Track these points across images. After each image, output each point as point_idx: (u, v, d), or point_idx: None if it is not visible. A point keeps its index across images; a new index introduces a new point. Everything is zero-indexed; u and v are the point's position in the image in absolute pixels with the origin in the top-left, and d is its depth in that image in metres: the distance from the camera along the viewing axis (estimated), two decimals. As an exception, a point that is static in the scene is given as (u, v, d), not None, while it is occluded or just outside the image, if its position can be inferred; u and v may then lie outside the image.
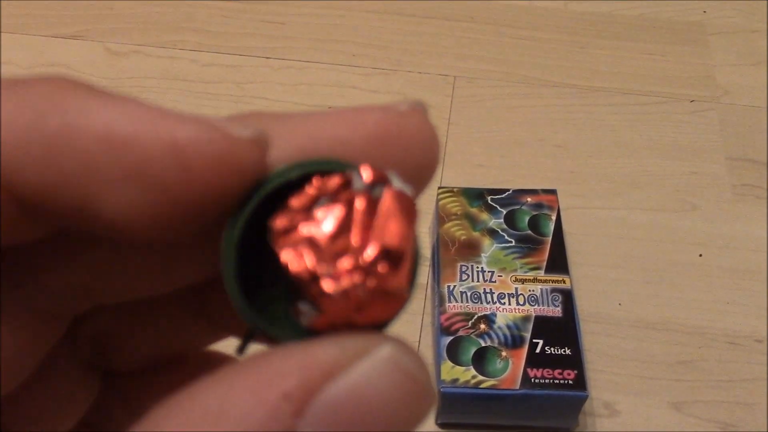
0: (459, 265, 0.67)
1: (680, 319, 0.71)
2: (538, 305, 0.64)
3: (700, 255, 0.76)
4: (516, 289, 0.65)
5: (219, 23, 0.96)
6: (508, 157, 0.83)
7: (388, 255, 0.17)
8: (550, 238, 0.69)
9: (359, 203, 0.17)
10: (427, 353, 0.68)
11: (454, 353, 0.62)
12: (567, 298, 0.65)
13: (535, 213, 0.71)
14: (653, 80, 0.91)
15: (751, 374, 0.68)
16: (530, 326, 0.63)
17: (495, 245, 0.68)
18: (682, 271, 0.74)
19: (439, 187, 0.73)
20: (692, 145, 0.85)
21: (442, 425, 0.65)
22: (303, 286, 0.17)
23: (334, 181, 0.18)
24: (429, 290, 0.72)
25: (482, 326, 0.63)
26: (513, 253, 0.68)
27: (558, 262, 0.67)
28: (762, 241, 0.77)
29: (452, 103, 0.88)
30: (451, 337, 0.62)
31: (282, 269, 0.17)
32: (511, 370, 0.61)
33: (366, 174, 0.17)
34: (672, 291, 0.73)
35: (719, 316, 0.71)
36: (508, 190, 0.72)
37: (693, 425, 0.65)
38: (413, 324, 0.71)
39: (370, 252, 0.17)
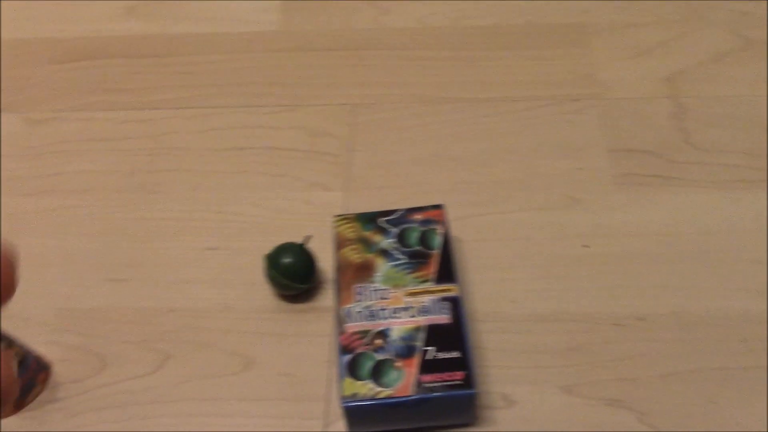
0: (355, 286, 0.73)
1: (569, 309, 0.77)
2: (429, 315, 0.70)
3: (586, 246, 0.82)
4: (408, 302, 0.71)
5: (130, 80, 1.02)
6: (408, 175, 0.89)
7: None
8: (438, 252, 0.75)
9: None
10: (335, 372, 0.74)
11: (353, 369, 0.67)
12: (455, 304, 0.71)
13: (423, 229, 0.77)
14: (539, 84, 0.97)
15: (635, 351, 0.74)
16: (422, 336, 0.69)
17: (388, 264, 0.74)
18: (568, 263, 0.80)
19: (336, 216, 0.78)
20: (575, 143, 0.91)
21: (360, 435, 0.71)
22: None
23: None
24: (334, 313, 0.78)
25: (378, 341, 0.69)
26: (404, 269, 0.74)
27: (446, 273, 0.73)
28: (642, 225, 0.83)
29: (354, 130, 0.94)
30: (350, 355, 0.68)
31: None
32: (405, 379, 0.67)
33: None
34: (560, 283, 0.79)
35: (605, 302, 0.77)
36: (399, 210, 0.78)
37: (583, 404, 0.71)
38: (323, 346, 0.76)
39: None
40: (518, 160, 0.90)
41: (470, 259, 0.82)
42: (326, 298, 0.80)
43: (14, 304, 0.82)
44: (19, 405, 0.74)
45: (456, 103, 0.96)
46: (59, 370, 0.77)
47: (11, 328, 0.80)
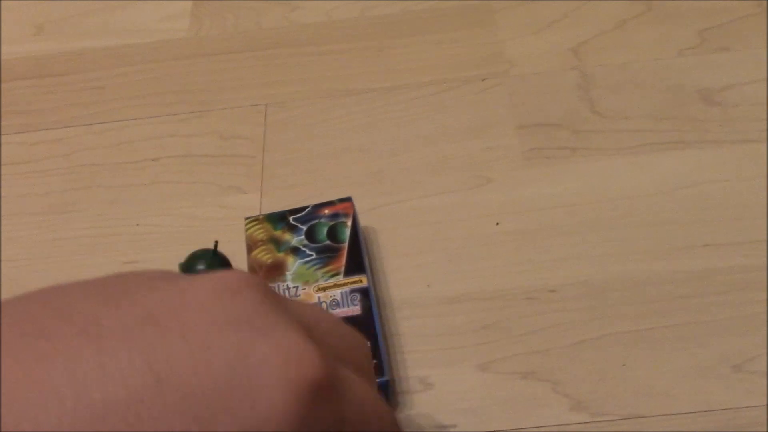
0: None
1: (482, 288, 0.79)
2: (339, 308, 0.71)
3: (497, 224, 0.83)
4: (318, 297, 0.72)
5: (41, 101, 1.01)
6: (320, 171, 0.90)
7: None
8: (347, 244, 0.76)
9: None
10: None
11: (271, 368, 0.68)
12: (365, 295, 0.72)
13: (332, 223, 0.78)
14: (446, 67, 0.98)
15: (547, 323, 0.76)
16: (335, 328, 0.70)
17: (298, 261, 0.75)
18: (481, 242, 0.82)
19: (246, 218, 0.79)
20: (484, 123, 0.92)
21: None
22: None
23: None
24: (256, 313, 0.79)
25: (293, 338, 0.70)
26: (314, 265, 0.75)
27: (355, 264, 0.74)
28: (552, 198, 0.84)
29: (266, 131, 0.95)
30: (267, 355, 0.69)
31: None
32: (321, 372, 0.68)
33: None
34: (473, 263, 0.80)
35: (517, 277, 0.79)
36: (307, 206, 0.79)
37: (498, 380, 0.72)
38: (244, 347, 0.77)
39: None
40: (427, 146, 0.91)
41: (385, 248, 0.83)
42: (244, 300, 0.80)
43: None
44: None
45: (364, 94, 0.97)
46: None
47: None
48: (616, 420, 0.69)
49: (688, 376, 0.71)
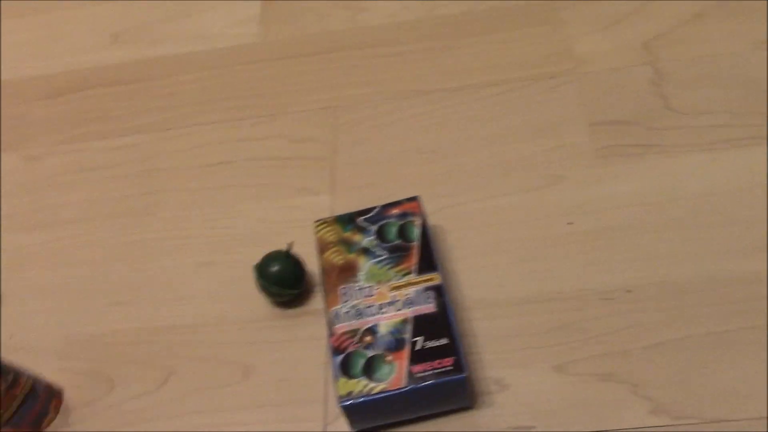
0: (340, 288, 0.74)
1: (556, 288, 0.77)
2: (414, 306, 0.71)
3: (570, 223, 0.82)
4: (393, 296, 0.72)
5: (116, 108, 1.04)
6: (389, 172, 0.90)
7: None
8: (417, 243, 0.76)
9: None
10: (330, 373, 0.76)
11: (346, 369, 0.69)
12: (438, 293, 0.72)
13: (401, 222, 0.78)
14: (514, 66, 0.98)
15: (625, 323, 0.74)
16: (409, 327, 0.70)
17: (370, 261, 0.75)
18: (553, 242, 0.81)
19: (316, 221, 0.80)
20: (554, 121, 0.91)
21: (357, 430, 0.73)
22: None
23: None
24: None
25: (367, 338, 0.70)
26: (386, 264, 0.75)
27: (427, 262, 0.74)
28: (626, 197, 0.83)
29: (335, 132, 0.95)
30: (342, 355, 0.70)
31: None
32: (396, 372, 0.68)
33: None
34: (546, 263, 0.79)
35: (592, 277, 0.78)
36: (375, 207, 0.79)
37: (576, 382, 0.71)
38: (318, 349, 0.78)
39: None
40: (496, 145, 0.90)
41: (454, 249, 0.82)
42: (317, 301, 0.81)
43: (23, 336, 0.85)
44: (32, 433, 0.77)
45: (432, 95, 0.97)
46: (70, 396, 0.79)
47: (22, 359, 0.83)
48: (697, 423, 0.67)
49: (774, 379, 0.69)
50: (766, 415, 0.67)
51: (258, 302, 0.82)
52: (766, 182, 0.81)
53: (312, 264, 0.84)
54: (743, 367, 0.70)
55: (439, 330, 0.70)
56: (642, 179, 0.84)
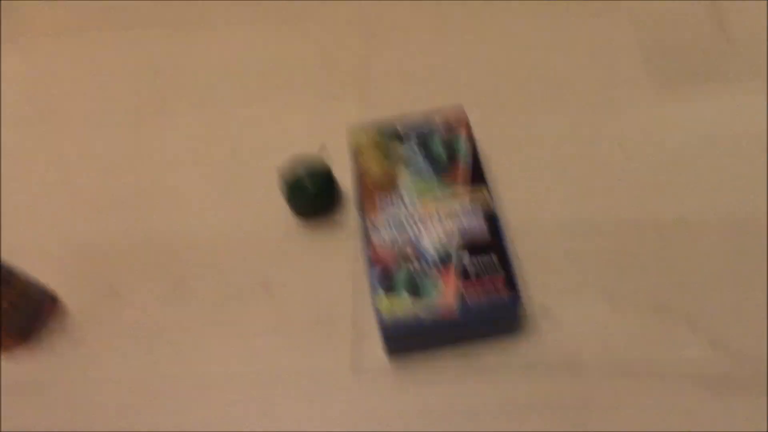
0: (379, 197, 0.67)
1: (608, 215, 0.72)
2: (461, 221, 0.65)
3: (624, 150, 0.76)
4: (437, 210, 0.66)
5: (127, 2, 0.95)
6: (425, 83, 0.83)
7: None
8: (463, 155, 0.69)
9: None
10: (364, 288, 0.69)
11: (387, 284, 0.62)
12: (488, 209, 0.66)
13: (446, 133, 0.71)
14: (561, -15, 0.91)
15: (680, 255, 0.69)
16: (455, 242, 0.64)
17: (411, 172, 0.69)
18: (607, 168, 0.75)
19: (351, 126, 0.73)
20: (609, 43, 0.85)
21: (391, 353, 0.66)
22: None
23: None
24: (357, 228, 0.73)
25: (409, 252, 0.64)
26: (430, 176, 0.68)
27: (474, 177, 0.68)
28: (682, 126, 0.77)
29: (367, 40, 0.88)
30: (381, 269, 0.63)
31: None
32: (444, 291, 0.62)
33: None
34: (598, 189, 0.74)
35: (645, 206, 0.72)
36: (417, 116, 0.73)
37: (628, 312, 0.66)
38: (347, 262, 0.71)
39: None
40: (544, 62, 0.84)
41: (498, 167, 0.76)
42: (346, 213, 0.75)
43: (20, 237, 0.77)
44: (27, 336, 0.70)
45: (474, 4, 0.89)
46: (68, 302, 0.72)
47: (17, 260, 0.75)
48: (755, 359, 0.62)
49: (841, 320, 0.64)
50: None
51: (279, 212, 0.75)
52: (830, 119, 0.76)
53: (341, 171, 0.77)
54: (805, 308, 0.65)
55: (488, 248, 0.63)
56: (699, 109, 0.78)
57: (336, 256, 0.72)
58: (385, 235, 0.65)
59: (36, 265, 0.74)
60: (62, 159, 0.82)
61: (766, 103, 0.78)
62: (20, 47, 0.92)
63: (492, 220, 0.65)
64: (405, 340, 0.64)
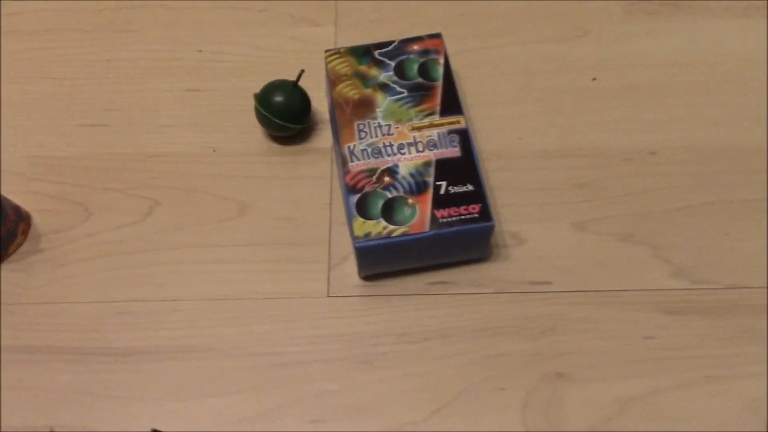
0: (356, 123, 0.68)
1: (578, 144, 0.74)
2: (437, 149, 0.66)
3: (594, 79, 0.77)
4: (414, 137, 0.67)
5: None
6: (400, 7, 0.83)
7: None
8: (440, 83, 0.70)
9: None
10: (340, 214, 0.70)
11: (363, 209, 0.64)
12: (464, 137, 0.67)
13: (423, 60, 0.71)
14: None
15: (647, 185, 0.71)
16: (432, 170, 0.65)
17: (388, 98, 0.69)
18: (577, 97, 0.76)
19: (326, 50, 0.72)
20: (581, -30, 0.84)
21: (365, 278, 0.68)
22: None
23: None
24: (333, 154, 0.74)
25: (386, 179, 0.65)
26: (407, 103, 0.69)
27: (451, 105, 0.68)
28: (654, 56, 0.78)
29: (339, -40, 0.86)
30: (358, 195, 0.64)
31: None
32: (419, 215, 0.63)
33: None
34: (569, 118, 0.75)
35: (615, 136, 0.74)
36: (394, 41, 0.72)
37: (595, 240, 0.68)
38: (323, 188, 0.72)
39: None
40: (520, -10, 0.83)
41: (472, 95, 0.77)
42: (321, 138, 0.75)
43: (-18, 155, 0.75)
44: (1, 257, 0.70)
45: (450, -71, 0.88)
46: (40, 221, 0.72)
47: (-19, 179, 0.74)
48: (717, 289, 0.66)
49: (793, 250, 0.68)
50: (779, 286, 0.66)
51: (254, 135, 0.75)
52: (796, 54, 0.78)
53: (316, 97, 0.77)
54: (761, 237, 0.68)
55: (464, 175, 0.65)
56: (671, 40, 0.79)
57: (313, 180, 0.73)
58: (362, 163, 0.66)
59: (4, 184, 0.74)
60: (24, 70, 0.80)
61: (738, 37, 0.79)
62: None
63: (467, 149, 0.66)
64: (378, 260, 0.65)
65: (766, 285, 0.66)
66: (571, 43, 0.79)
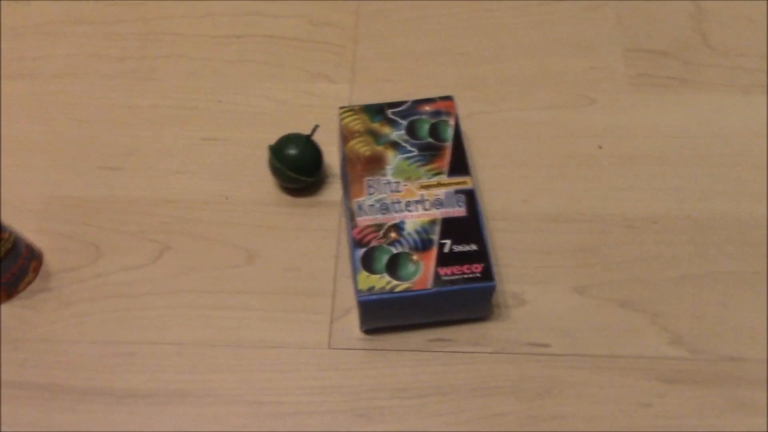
0: (366, 180, 0.70)
1: (581, 209, 0.75)
2: (444, 207, 0.68)
3: (600, 146, 0.79)
4: (422, 195, 0.69)
5: (117, -40, 0.95)
6: (414, 69, 0.85)
7: None
8: (450, 143, 0.72)
9: None
10: (346, 267, 0.72)
11: (368, 263, 0.65)
12: (470, 197, 0.68)
13: (434, 120, 0.73)
14: (552, -20, 0.93)
15: (647, 253, 0.72)
16: (437, 228, 0.67)
17: (398, 156, 0.71)
18: (582, 163, 0.78)
19: (341, 107, 0.75)
20: (591, 41, 0.87)
21: (366, 332, 0.69)
22: None
23: None
24: (342, 207, 0.75)
25: (393, 234, 0.67)
26: (416, 161, 0.71)
27: (459, 165, 0.70)
28: (657, 128, 0.80)
29: (358, 20, 0.89)
30: (364, 249, 0.66)
31: None
32: (422, 272, 0.64)
33: None
34: (573, 183, 0.77)
35: (617, 203, 0.76)
36: (407, 101, 0.75)
37: (595, 305, 0.69)
38: (330, 240, 0.74)
39: None
40: (530, 57, 0.86)
41: (480, 157, 0.79)
42: (332, 192, 0.77)
43: (2, 191, 0.77)
44: (11, 293, 0.71)
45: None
46: (51, 259, 0.73)
47: (2, 216, 0.76)
48: (713, 360, 0.66)
49: (791, 324, 0.68)
50: (776, 359, 0.67)
51: (266, 186, 0.77)
52: (798, 132, 0.80)
53: (330, 152, 0.79)
54: (758, 309, 0.69)
55: (469, 235, 0.66)
56: (674, 112, 0.81)
57: (322, 233, 0.74)
58: (369, 218, 0.67)
59: (19, 222, 0.75)
60: (46, 112, 0.82)
61: (740, 112, 0.81)
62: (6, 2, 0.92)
63: (473, 209, 0.67)
64: (380, 315, 0.66)
65: (765, 358, 0.67)
66: (578, 111, 0.82)
